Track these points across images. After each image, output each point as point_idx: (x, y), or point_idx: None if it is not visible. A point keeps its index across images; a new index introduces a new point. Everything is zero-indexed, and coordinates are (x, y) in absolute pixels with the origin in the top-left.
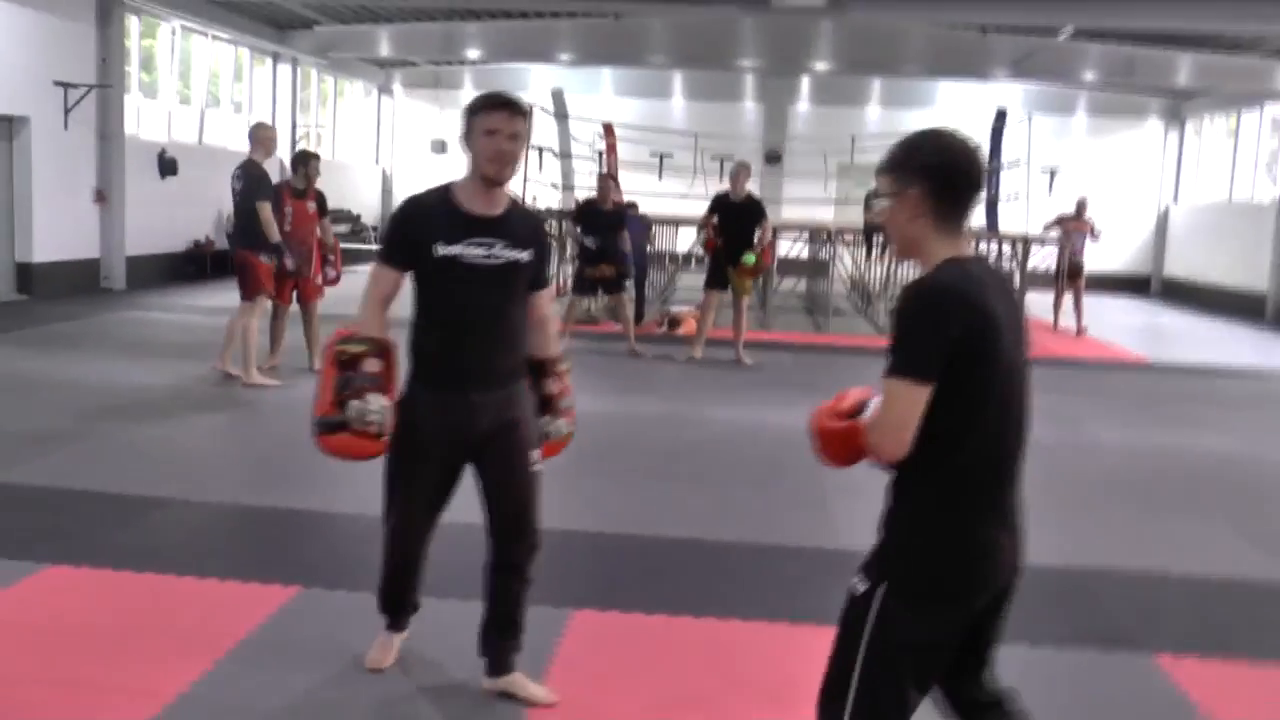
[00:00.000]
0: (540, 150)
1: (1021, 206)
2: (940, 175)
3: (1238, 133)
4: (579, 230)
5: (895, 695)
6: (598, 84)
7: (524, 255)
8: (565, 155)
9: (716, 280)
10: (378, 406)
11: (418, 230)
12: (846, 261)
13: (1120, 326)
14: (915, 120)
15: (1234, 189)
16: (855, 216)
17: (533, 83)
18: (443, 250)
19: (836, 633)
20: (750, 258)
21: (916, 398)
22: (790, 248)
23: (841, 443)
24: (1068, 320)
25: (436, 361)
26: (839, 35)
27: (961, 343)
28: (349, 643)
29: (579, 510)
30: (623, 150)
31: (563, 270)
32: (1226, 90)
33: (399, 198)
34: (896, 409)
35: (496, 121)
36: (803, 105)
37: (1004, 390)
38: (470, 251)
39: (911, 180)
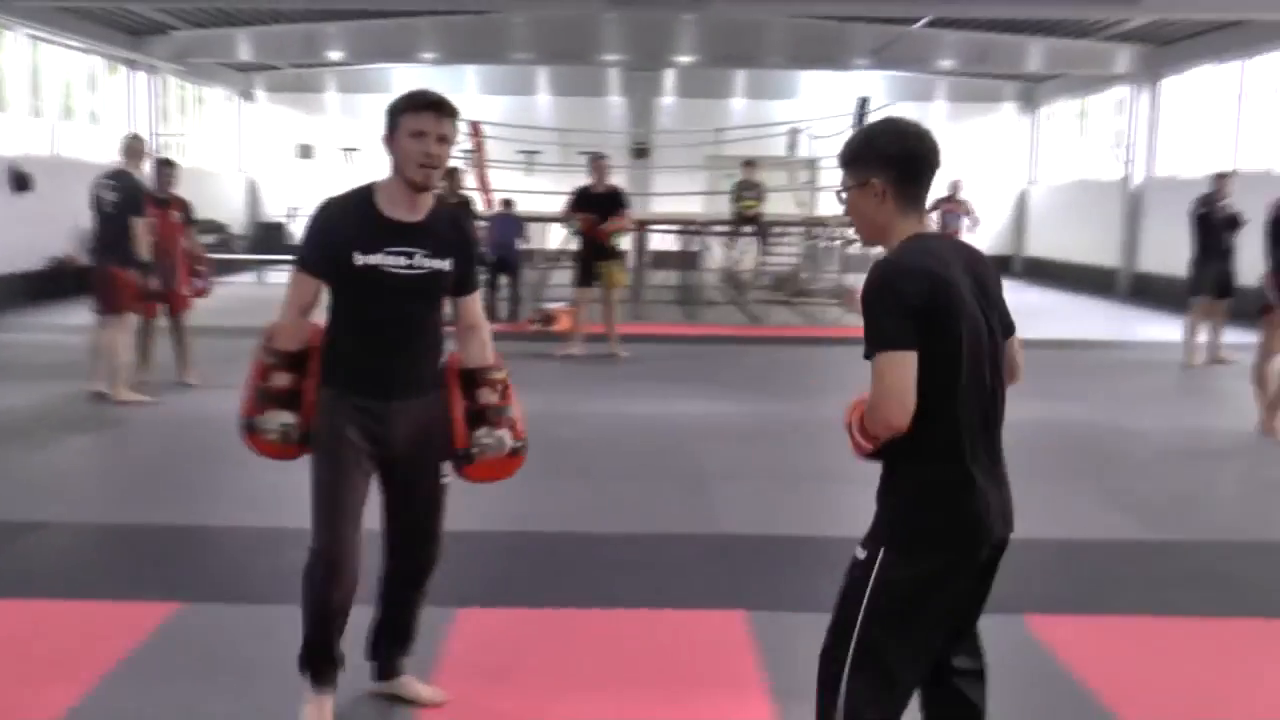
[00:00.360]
0: None
1: None
2: (900, 162)
3: (1085, 114)
4: None
5: (897, 651)
6: (462, 82)
7: (446, 264)
8: None
9: (585, 277)
10: (275, 425)
11: (335, 237)
12: (717, 253)
13: None
14: (780, 111)
15: (1085, 169)
16: (724, 207)
17: (396, 83)
18: (361, 260)
19: (838, 597)
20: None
21: (905, 362)
22: (660, 240)
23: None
24: None
25: (356, 369)
26: (701, 28)
27: (924, 313)
28: (231, 655)
29: (462, 509)
30: (490, 148)
31: None
32: (1074, 75)
33: (266, 205)
34: (889, 378)
35: (424, 123)
36: (668, 98)
37: (973, 354)
38: (389, 261)
39: (874, 170)
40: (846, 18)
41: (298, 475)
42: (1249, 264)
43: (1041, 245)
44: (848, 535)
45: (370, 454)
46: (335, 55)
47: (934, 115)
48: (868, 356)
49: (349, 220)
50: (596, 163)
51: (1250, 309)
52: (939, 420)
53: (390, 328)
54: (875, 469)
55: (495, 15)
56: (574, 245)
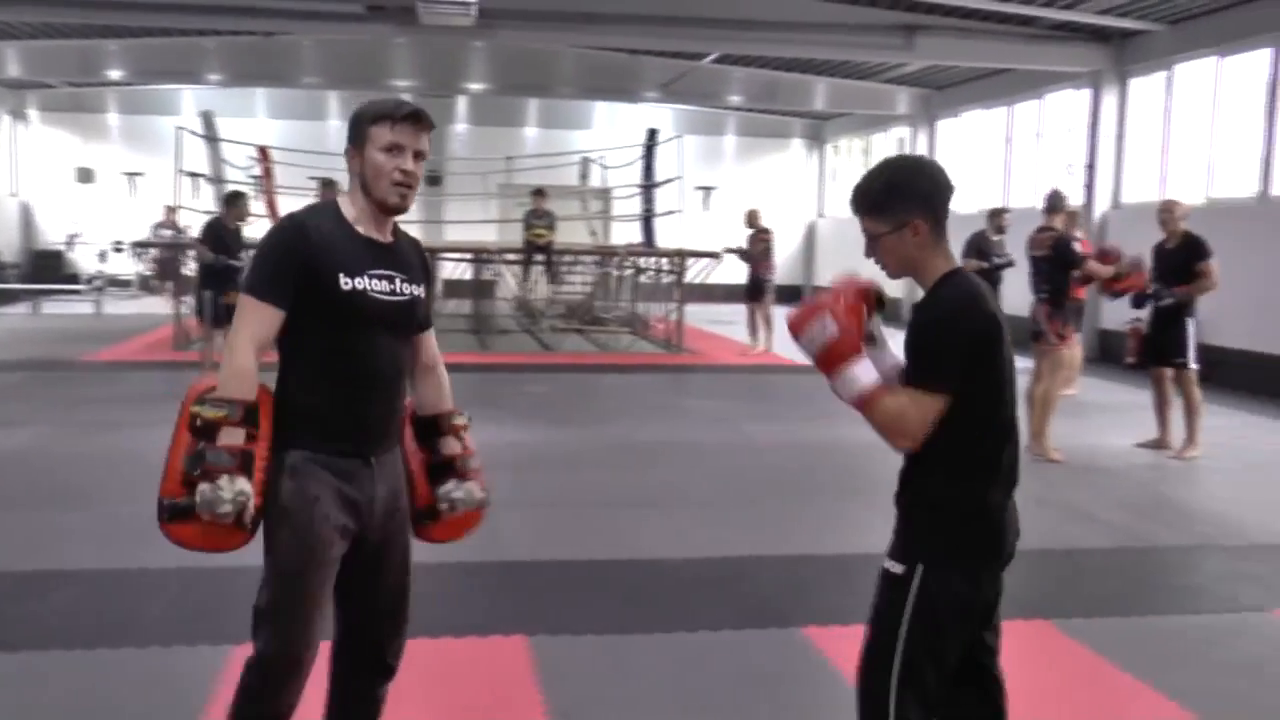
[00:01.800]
0: (194, 176)
1: (677, 223)
2: (935, 202)
3: (870, 152)
4: (209, 250)
5: (936, 662)
6: (251, 106)
7: (420, 291)
8: (219, 180)
9: None
10: (232, 494)
11: (315, 256)
12: (510, 281)
13: (777, 333)
14: (573, 140)
15: None
16: (517, 235)
17: (184, 105)
18: (347, 283)
19: (874, 613)
20: None
21: (939, 407)
22: (454, 269)
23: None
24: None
25: (332, 422)
26: (492, 56)
27: (981, 344)
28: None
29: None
30: (280, 174)
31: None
32: (858, 114)
33: (42, 232)
34: (920, 416)
35: (403, 135)
36: (460, 126)
37: (1010, 381)
38: (375, 286)
39: (913, 212)
40: (636, 51)
41: (61, 515)
42: (1018, 293)
43: (831, 276)
44: (629, 558)
45: (345, 529)
46: (116, 74)
47: (725, 149)
48: (908, 382)
49: (326, 238)
50: (326, 192)
51: (1022, 336)
52: (982, 441)
53: (373, 367)
54: (665, 489)
55: (283, 37)
56: None
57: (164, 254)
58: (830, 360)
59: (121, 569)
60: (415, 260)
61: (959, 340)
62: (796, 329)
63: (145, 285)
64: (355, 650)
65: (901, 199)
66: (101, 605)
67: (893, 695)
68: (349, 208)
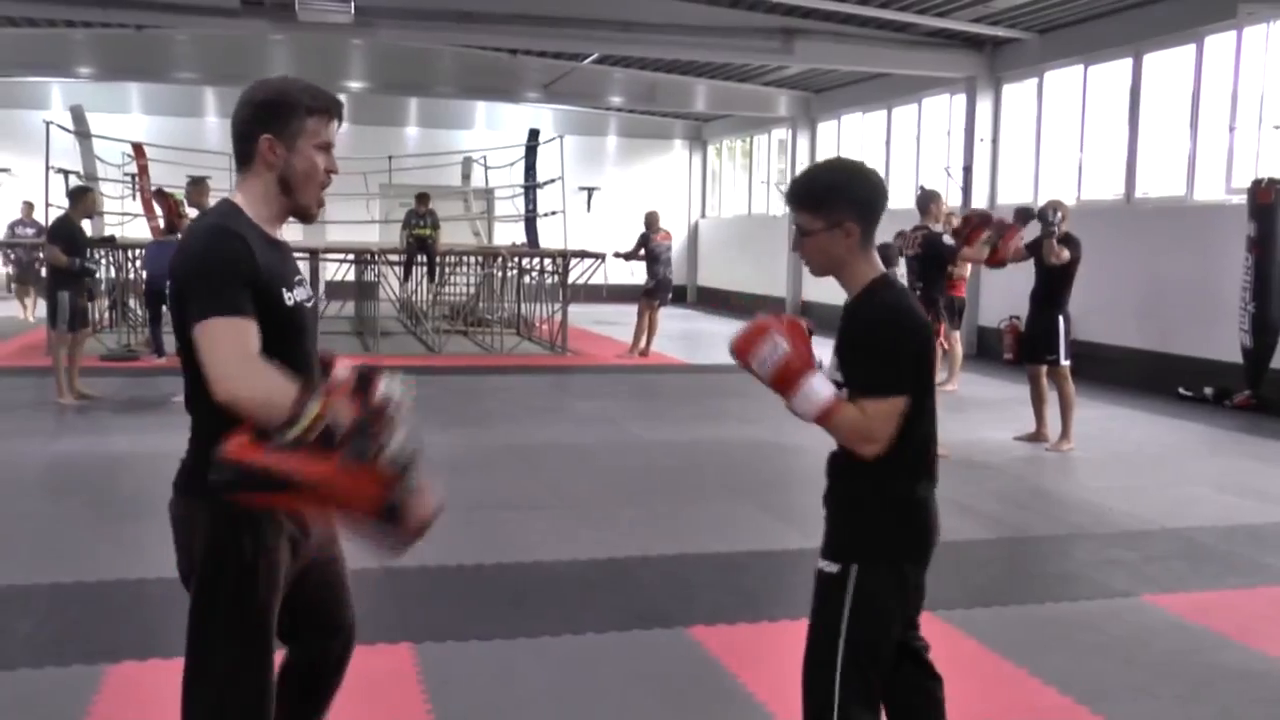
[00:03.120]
0: (65, 173)
1: (559, 223)
2: (871, 209)
3: (751, 154)
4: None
5: (876, 659)
6: (125, 101)
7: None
8: (91, 177)
9: None
10: (396, 442)
11: (260, 273)
12: (393, 282)
13: (662, 334)
14: (455, 140)
15: (752, 204)
16: (397, 237)
17: (55, 99)
18: (290, 298)
19: (813, 614)
20: None
21: (901, 407)
22: (336, 270)
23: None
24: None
25: None
26: (370, 54)
27: (924, 345)
28: None
29: (112, 559)
30: (156, 172)
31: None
32: (740, 115)
33: None
34: (885, 419)
35: (335, 132)
36: (341, 125)
37: (933, 379)
38: (300, 295)
39: (846, 214)
40: (516, 50)
41: None
42: None
43: (713, 275)
44: (513, 561)
45: (287, 573)
46: None
47: (607, 150)
48: (856, 394)
49: (259, 250)
50: (194, 191)
51: None
52: (911, 441)
53: (312, 381)
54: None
55: (155, 31)
56: None
57: (23, 254)
58: (787, 378)
59: None
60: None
61: (909, 341)
62: (743, 352)
63: (9, 287)
64: (301, 666)
65: (840, 199)
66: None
67: (837, 694)
68: (258, 209)
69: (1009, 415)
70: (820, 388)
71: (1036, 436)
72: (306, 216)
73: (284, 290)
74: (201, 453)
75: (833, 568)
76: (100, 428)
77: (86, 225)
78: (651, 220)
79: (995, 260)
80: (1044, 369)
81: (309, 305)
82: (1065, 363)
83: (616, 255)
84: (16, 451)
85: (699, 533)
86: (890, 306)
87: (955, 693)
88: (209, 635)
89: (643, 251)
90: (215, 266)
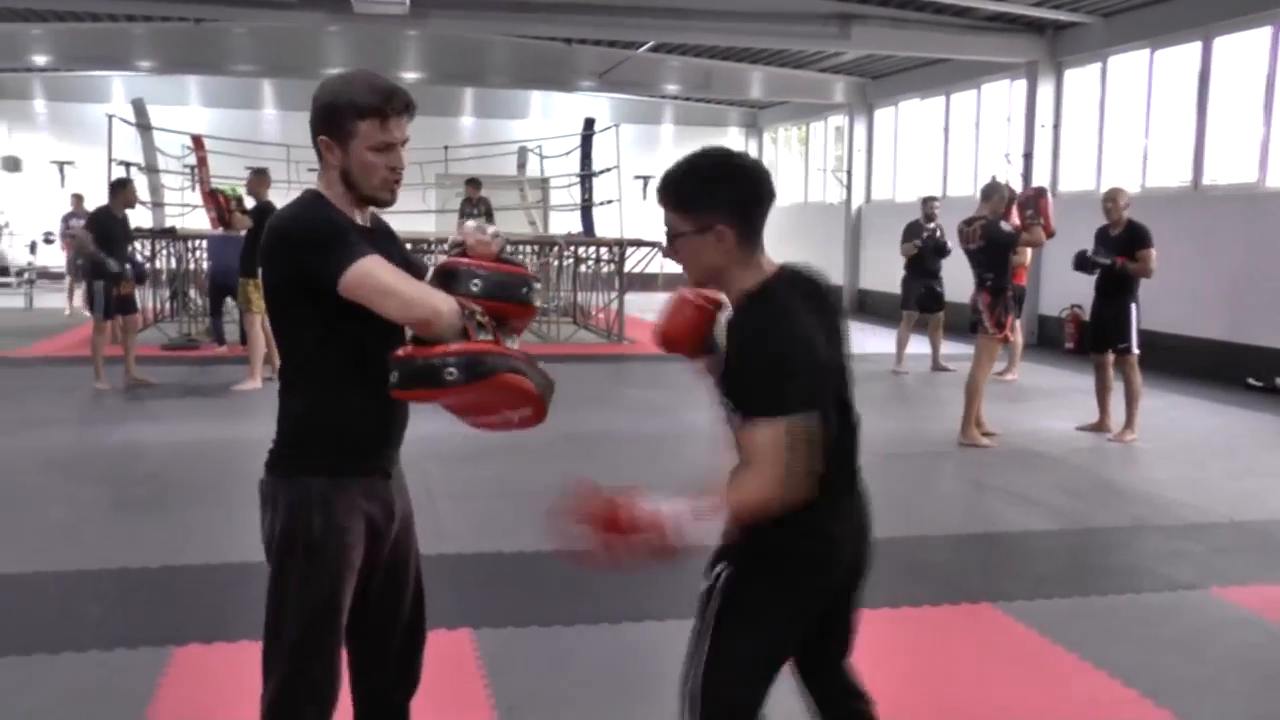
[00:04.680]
0: (126, 165)
1: (615, 212)
2: (748, 210)
3: (808, 141)
4: (93, 242)
5: (748, 676)
6: (184, 94)
7: None
8: (152, 169)
9: None
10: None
11: (353, 240)
12: None
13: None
14: (510, 130)
15: (808, 191)
16: (453, 226)
17: (116, 92)
18: None
19: (695, 624)
20: None
21: (815, 428)
22: None
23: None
24: None
25: (359, 435)
26: (426, 45)
27: (804, 349)
28: None
29: (177, 544)
30: (215, 164)
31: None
32: (796, 102)
33: None
34: (800, 450)
35: (395, 130)
36: (410, 118)
37: (830, 394)
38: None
39: (719, 215)
40: (571, 40)
41: None
42: (957, 281)
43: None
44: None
45: (364, 554)
46: (41, 59)
47: (662, 138)
48: (765, 416)
49: (349, 226)
50: (255, 181)
51: (963, 322)
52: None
53: (385, 367)
54: None
55: (213, 24)
56: None
57: (71, 246)
58: (665, 544)
59: (56, 571)
60: (387, 248)
61: (792, 350)
62: (611, 558)
63: (80, 275)
64: (379, 669)
65: (709, 199)
66: (36, 610)
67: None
68: (336, 199)
69: (1070, 405)
70: (675, 511)
71: (1099, 426)
72: (378, 204)
73: None
74: (287, 434)
75: (709, 581)
76: (162, 415)
77: (133, 216)
78: None
79: (1047, 232)
80: (1110, 358)
81: None
82: (1135, 352)
83: (666, 255)
84: (82, 439)
85: None
86: (762, 314)
87: (1016, 684)
88: (280, 610)
89: None
90: (324, 229)
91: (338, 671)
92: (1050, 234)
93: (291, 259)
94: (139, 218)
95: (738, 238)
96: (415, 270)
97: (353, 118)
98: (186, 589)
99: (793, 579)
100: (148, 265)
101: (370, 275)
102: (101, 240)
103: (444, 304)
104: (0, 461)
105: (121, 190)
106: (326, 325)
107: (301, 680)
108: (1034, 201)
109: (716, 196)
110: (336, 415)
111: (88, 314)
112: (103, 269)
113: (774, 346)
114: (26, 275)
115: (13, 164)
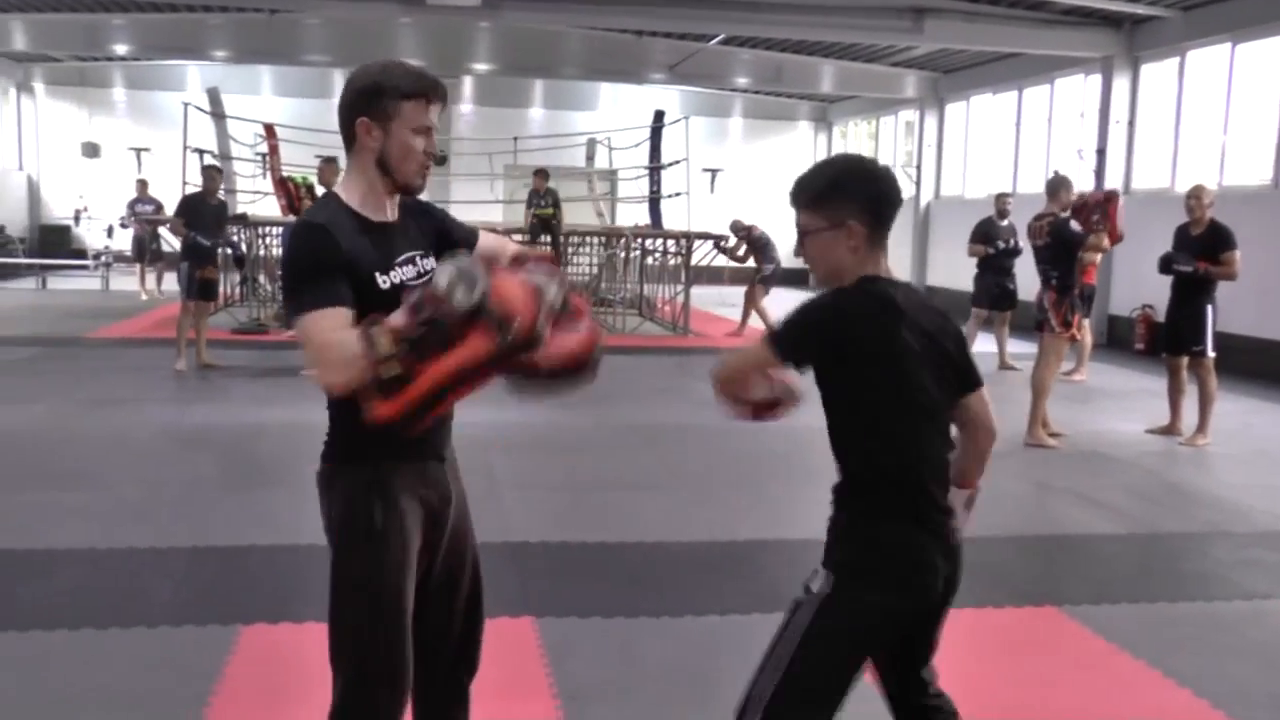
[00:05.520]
0: (201, 153)
1: (683, 205)
2: (879, 211)
3: (878, 136)
4: (185, 225)
5: (821, 699)
6: (257, 83)
7: (432, 258)
8: (225, 157)
9: None
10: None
11: (347, 260)
12: None
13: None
14: (579, 121)
15: None
16: (521, 217)
17: (191, 81)
18: (385, 281)
19: (781, 628)
20: None
21: (768, 363)
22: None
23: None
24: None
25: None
26: (497, 37)
27: (852, 341)
28: None
29: (246, 525)
30: (286, 152)
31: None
32: (866, 97)
33: (49, 205)
34: (742, 361)
35: (433, 114)
36: (466, 106)
37: (916, 404)
38: (406, 274)
39: (850, 211)
40: (643, 32)
41: (68, 494)
42: (1030, 278)
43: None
44: (635, 540)
45: (425, 540)
46: (121, 49)
47: (731, 131)
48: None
49: (350, 238)
50: (325, 169)
51: (1028, 321)
52: (884, 472)
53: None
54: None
55: (288, 15)
56: None
57: (144, 231)
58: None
59: (128, 548)
60: (421, 227)
61: (824, 316)
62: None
63: (152, 260)
64: (431, 684)
65: (844, 197)
66: (110, 585)
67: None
68: (351, 193)
69: (1140, 407)
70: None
71: (1170, 429)
72: (410, 191)
73: (377, 273)
74: (334, 423)
75: (806, 591)
76: (232, 398)
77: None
78: (736, 225)
79: (1115, 240)
80: (1185, 360)
81: (416, 284)
82: (1211, 355)
83: (733, 256)
84: (154, 419)
85: (816, 518)
86: (841, 291)
87: (1081, 690)
88: (342, 595)
89: (744, 249)
90: (299, 262)
91: (406, 656)
92: (1117, 240)
93: (284, 277)
94: None
95: (867, 236)
96: (459, 235)
97: (396, 98)
98: (255, 569)
99: (887, 602)
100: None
101: (306, 334)
102: (191, 224)
103: (343, 374)
104: (79, 440)
105: (208, 178)
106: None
107: (371, 666)
108: (1102, 206)
109: (848, 192)
110: None
111: (160, 295)
112: (195, 248)
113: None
114: (103, 258)
115: (92, 150)
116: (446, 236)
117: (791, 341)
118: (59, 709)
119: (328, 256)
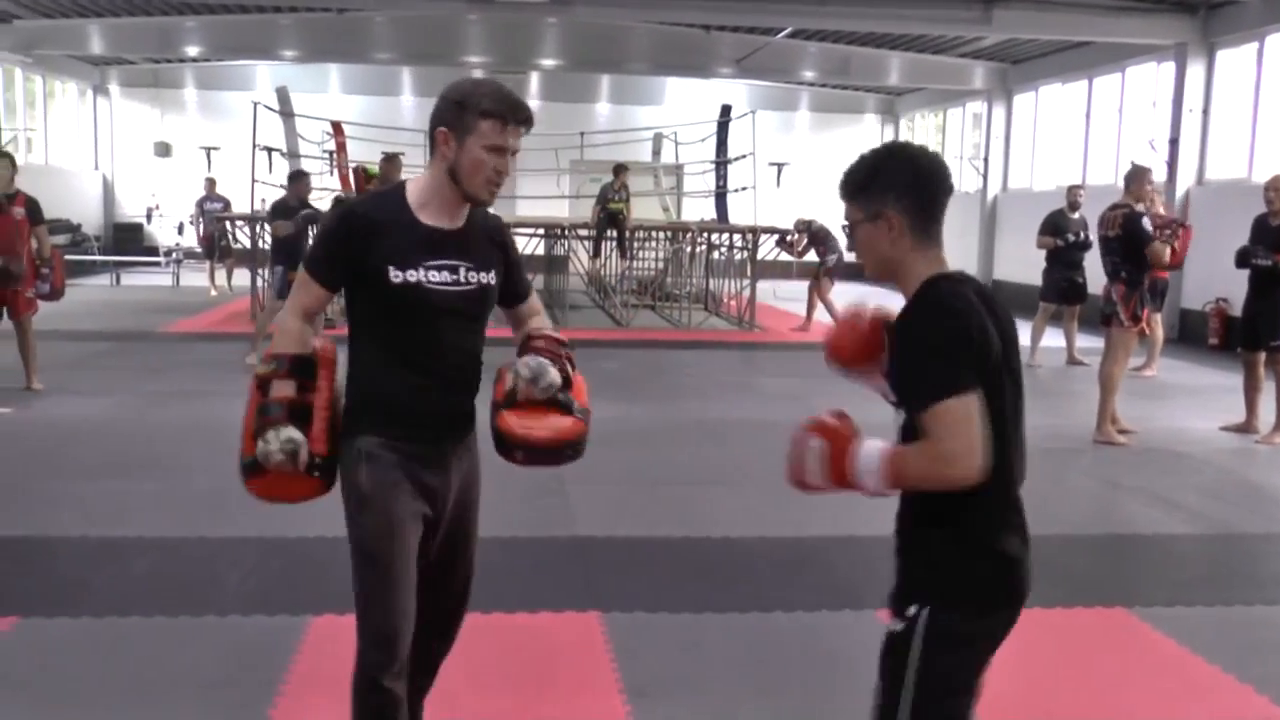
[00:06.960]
0: (269, 151)
1: (749, 199)
2: (918, 196)
3: (945, 128)
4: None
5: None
6: (325, 81)
7: (490, 278)
8: (294, 155)
9: None
10: (279, 443)
11: (361, 249)
12: (582, 257)
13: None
14: (645, 116)
15: None
16: (588, 212)
17: (259, 80)
18: (397, 276)
19: (880, 674)
20: None
21: (974, 406)
22: (526, 244)
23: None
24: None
25: (402, 408)
26: (565, 32)
27: (979, 350)
28: (68, 671)
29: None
30: (353, 149)
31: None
32: (933, 89)
33: (123, 204)
34: (964, 432)
35: (511, 137)
36: (533, 102)
37: (1014, 405)
38: (433, 277)
39: (886, 201)
40: (710, 26)
41: (141, 484)
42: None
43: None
44: (702, 536)
45: (423, 516)
46: (193, 50)
47: (798, 124)
48: (914, 411)
49: (378, 230)
50: (386, 165)
51: (1095, 315)
52: (991, 471)
53: (437, 356)
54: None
55: (356, 14)
56: None
57: (214, 229)
58: (840, 472)
59: (200, 537)
60: (486, 244)
61: (962, 344)
62: (800, 482)
63: (221, 256)
64: (427, 626)
65: (881, 185)
66: (181, 573)
67: None
68: (417, 193)
69: (1214, 403)
70: (868, 454)
71: (1246, 427)
72: (476, 203)
73: (391, 268)
74: (346, 401)
75: (900, 623)
76: None
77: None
78: (799, 224)
79: (1174, 263)
80: (1261, 356)
81: (445, 288)
82: None
83: (792, 251)
84: (225, 411)
85: (884, 516)
86: (936, 301)
87: (1153, 693)
88: (352, 563)
89: (804, 243)
90: (320, 233)
91: (396, 622)
92: (1178, 264)
93: None
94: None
95: (909, 226)
96: (517, 274)
97: (476, 116)
98: (322, 559)
99: (999, 619)
100: None
101: (297, 283)
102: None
103: (282, 339)
104: (153, 432)
105: (298, 181)
106: (363, 313)
107: (365, 625)
108: (1176, 229)
109: (881, 181)
110: (379, 390)
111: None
112: (292, 250)
113: (933, 331)
114: (174, 255)
115: (164, 149)
116: (507, 275)
117: (964, 373)
118: (131, 694)
119: (333, 241)
